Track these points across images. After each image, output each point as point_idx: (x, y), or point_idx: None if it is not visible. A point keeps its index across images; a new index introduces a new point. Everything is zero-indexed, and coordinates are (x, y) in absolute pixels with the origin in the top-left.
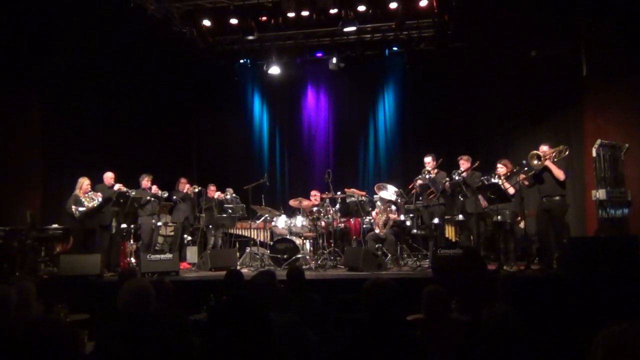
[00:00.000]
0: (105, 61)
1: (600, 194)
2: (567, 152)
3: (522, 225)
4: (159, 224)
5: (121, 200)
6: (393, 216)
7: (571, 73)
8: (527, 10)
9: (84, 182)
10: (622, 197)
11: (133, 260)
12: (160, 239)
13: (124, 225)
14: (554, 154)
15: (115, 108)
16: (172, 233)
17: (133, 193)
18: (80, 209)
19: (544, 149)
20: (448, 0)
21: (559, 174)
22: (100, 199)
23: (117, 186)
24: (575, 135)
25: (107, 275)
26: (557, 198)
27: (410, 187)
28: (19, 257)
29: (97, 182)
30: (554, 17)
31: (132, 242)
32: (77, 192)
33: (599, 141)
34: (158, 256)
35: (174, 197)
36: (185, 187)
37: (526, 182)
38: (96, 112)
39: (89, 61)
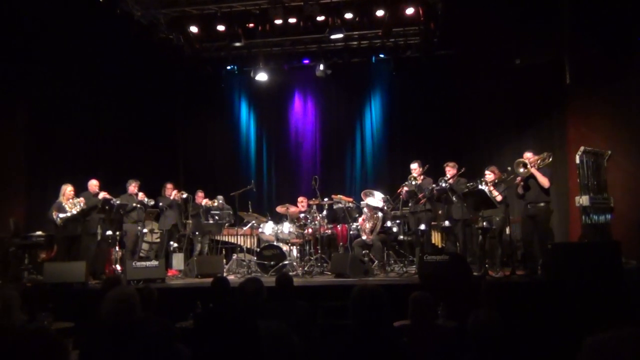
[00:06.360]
0: (91, 67)
1: (583, 200)
2: (550, 159)
3: (507, 231)
4: (145, 230)
5: (106, 208)
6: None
7: (555, 81)
8: (511, 20)
9: (67, 189)
10: (605, 203)
11: (119, 267)
12: (145, 246)
13: (109, 232)
14: (538, 161)
15: (101, 115)
16: (158, 240)
17: (118, 201)
18: (62, 215)
19: (528, 155)
20: (434, 8)
21: (544, 181)
22: (82, 205)
23: (101, 194)
24: (559, 142)
25: (93, 282)
26: (542, 204)
27: (397, 193)
28: (1, 265)
29: (81, 190)
30: (537, 27)
31: (117, 249)
32: (60, 199)
33: (582, 148)
34: (144, 263)
35: (160, 204)
36: (171, 192)
37: (521, 191)
38: (82, 119)
39: (75, 67)
